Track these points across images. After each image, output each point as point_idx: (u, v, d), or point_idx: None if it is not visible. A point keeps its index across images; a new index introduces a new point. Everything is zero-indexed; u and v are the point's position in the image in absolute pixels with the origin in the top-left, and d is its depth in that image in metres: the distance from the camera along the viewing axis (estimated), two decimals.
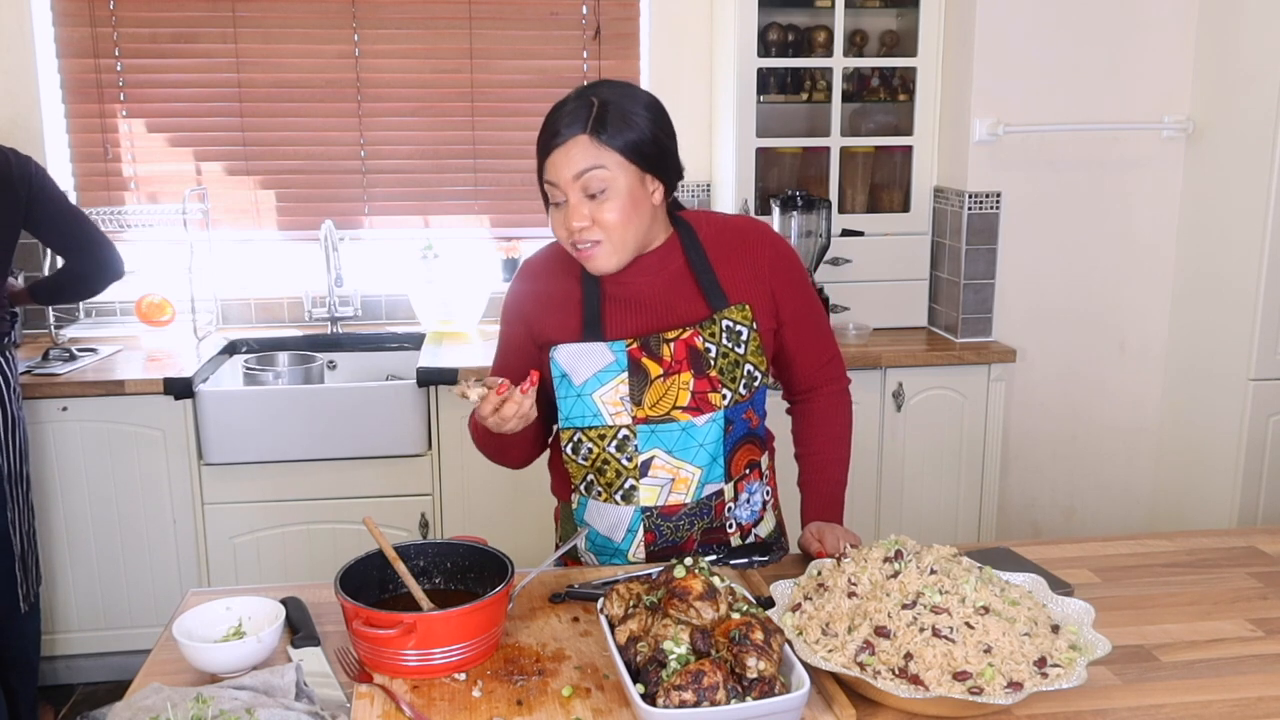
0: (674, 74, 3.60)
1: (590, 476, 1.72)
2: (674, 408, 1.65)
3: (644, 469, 1.67)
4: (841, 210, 3.52)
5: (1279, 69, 3.04)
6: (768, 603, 1.49)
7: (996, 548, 1.79)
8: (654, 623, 1.31)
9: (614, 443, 1.67)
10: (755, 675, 1.21)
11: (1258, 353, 3.18)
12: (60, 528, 3.05)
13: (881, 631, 1.32)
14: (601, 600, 1.40)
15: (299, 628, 1.49)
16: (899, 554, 1.44)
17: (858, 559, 1.47)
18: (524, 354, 1.74)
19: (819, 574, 1.49)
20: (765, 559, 1.70)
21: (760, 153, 3.46)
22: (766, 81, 3.49)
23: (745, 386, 1.68)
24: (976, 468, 3.39)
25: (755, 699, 1.20)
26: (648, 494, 1.68)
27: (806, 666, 1.26)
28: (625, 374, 1.65)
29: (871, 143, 3.56)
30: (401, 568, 1.49)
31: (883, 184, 3.63)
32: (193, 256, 3.37)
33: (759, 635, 1.24)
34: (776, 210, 3.33)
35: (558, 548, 1.88)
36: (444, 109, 3.64)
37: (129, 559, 3.09)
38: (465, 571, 1.56)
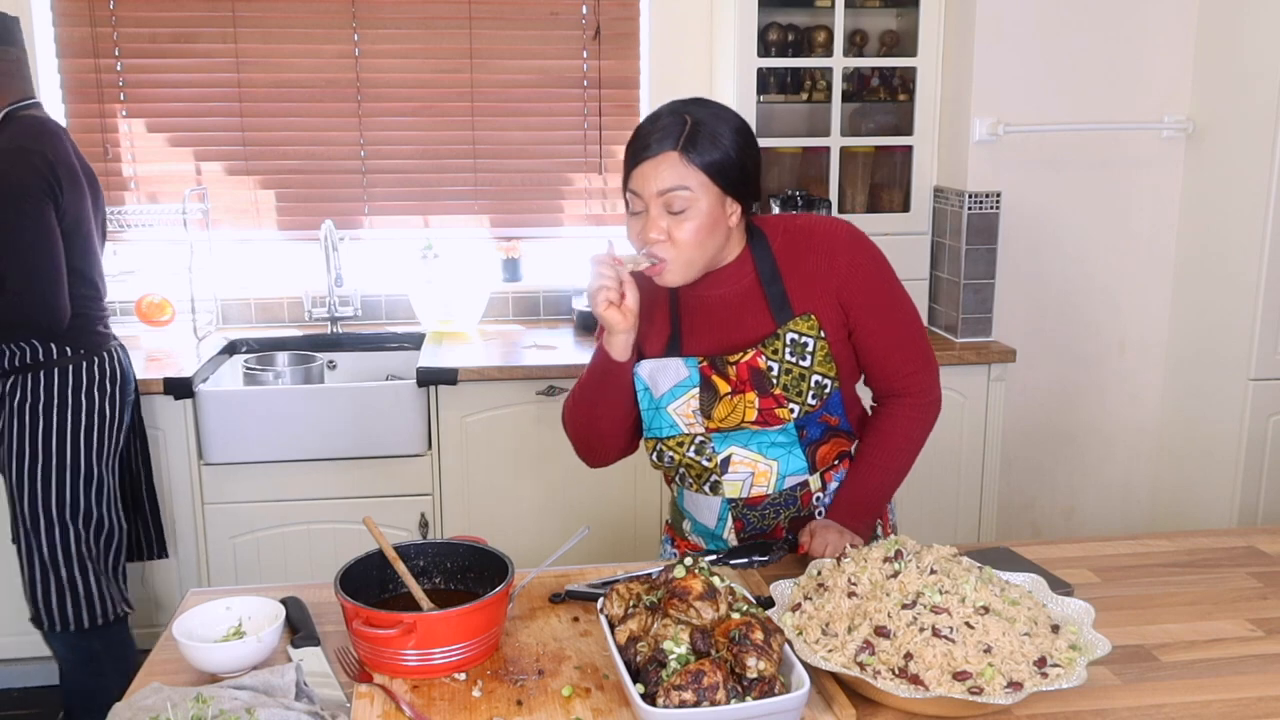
0: (674, 74, 3.60)
1: (681, 471, 1.80)
2: (743, 421, 1.71)
3: (724, 466, 1.74)
4: (841, 210, 3.52)
5: (1279, 69, 3.04)
6: (768, 603, 1.49)
7: (996, 548, 1.79)
8: (654, 623, 1.31)
9: (692, 448, 1.75)
10: (755, 675, 1.21)
11: (1258, 352, 3.18)
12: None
13: (881, 631, 1.32)
14: (601, 600, 1.40)
15: (299, 628, 1.49)
16: (899, 554, 1.44)
17: (858, 559, 1.47)
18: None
19: (819, 574, 1.49)
20: (765, 559, 1.70)
21: (760, 152, 3.45)
22: (766, 81, 3.49)
23: (814, 397, 1.71)
24: (976, 468, 3.39)
25: (755, 699, 1.20)
26: (731, 487, 1.75)
27: (806, 666, 1.26)
28: (697, 389, 1.71)
29: (871, 143, 3.56)
30: (401, 568, 1.49)
31: (883, 184, 3.63)
32: (193, 256, 3.37)
33: (759, 635, 1.24)
34: (776, 210, 3.33)
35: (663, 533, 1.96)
36: (444, 109, 3.64)
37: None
38: (465, 571, 1.56)
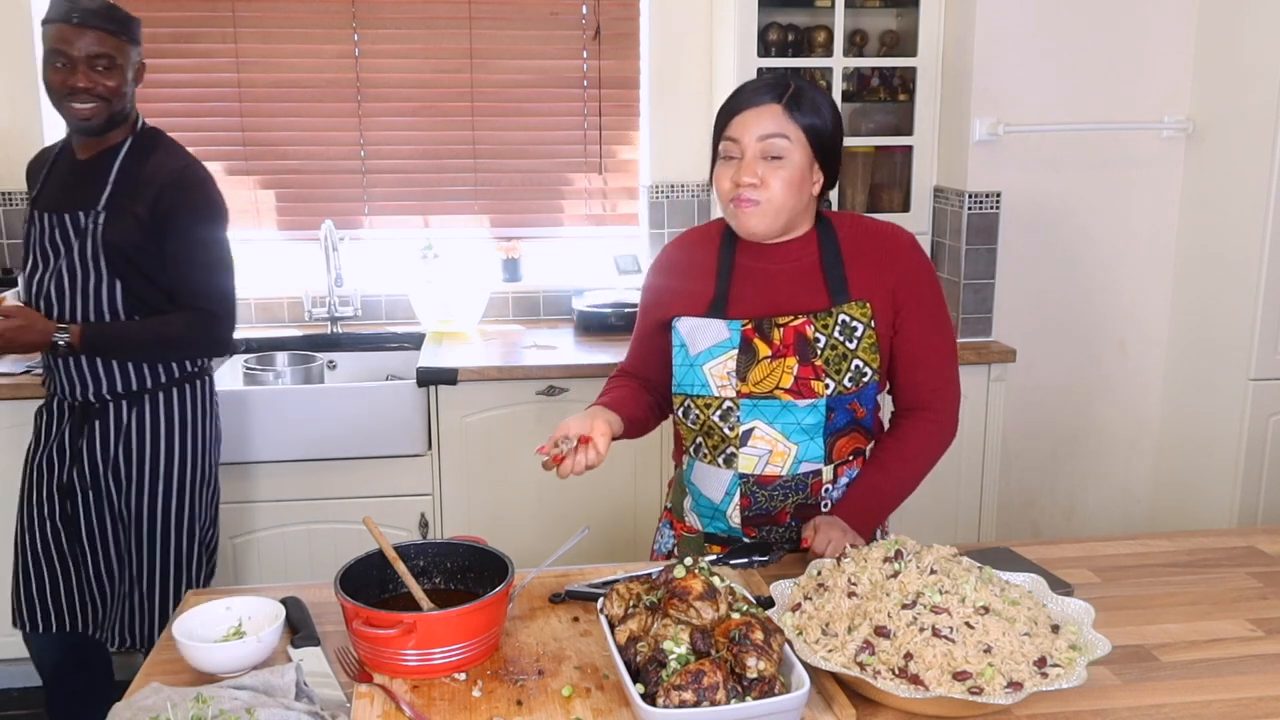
0: (674, 74, 3.60)
1: (699, 439, 1.80)
2: (776, 387, 1.72)
3: (744, 438, 1.75)
4: (842, 210, 3.51)
5: (1279, 69, 3.04)
6: (768, 603, 1.49)
7: (996, 548, 1.79)
8: (654, 623, 1.31)
9: (718, 412, 1.75)
10: (755, 675, 1.21)
11: (1258, 353, 3.18)
12: None
13: (881, 631, 1.32)
14: (601, 600, 1.40)
15: (299, 628, 1.49)
16: (899, 554, 1.44)
17: (858, 559, 1.47)
18: (655, 339, 1.87)
19: (819, 574, 1.50)
20: (765, 559, 1.70)
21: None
22: None
23: (852, 380, 1.73)
24: (976, 468, 3.39)
25: (755, 699, 1.20)
26: (746, 462, 1.76)
27: (806, 666, 1.26)
28: (736, 351, 1.74)
29: (871, 142, 3.56)
30: (401, 568, 1.49)
31: (883, 184, 3.63)
32: None
33: (759, 635, 1.24)
34: None
35: (661, 520, 1.97)
36: (444, 109, 3.64)
37: None
38: (465, 571, 1.56)
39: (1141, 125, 3.41)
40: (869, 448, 1.84)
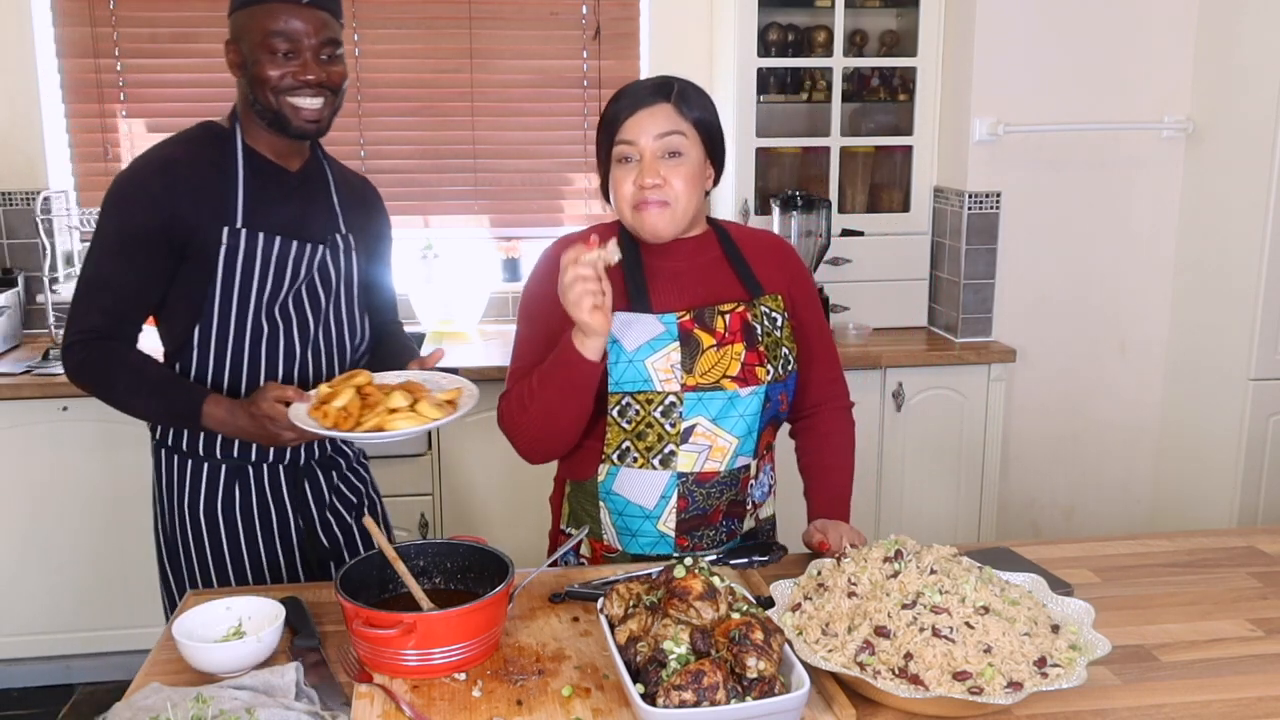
0: (674, 74, 3.58)
1: (627, 443, 1.73)
2: (724, 376, 1.71)
3: (685, 435, 1.71)
4: (841, 210, 3.52)
5: (1279, 69, 3.04)
6: (768, 603, 1.49)
7: (996, 548, 1.79)
8: (654, 623, 1.31)
9: (660, 408, 1.71)
10: (755, 675, 1.21)
11: (1258, 352, 3.18)
12: (60, 527, 3.05)
13: (881, 631, 1.32)
14: (601, 600, 1.40)
15: (299, 628, 1.49)
16: (899, 554, 1.44)
17: (858, 559, 1.47)
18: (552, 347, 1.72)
19: (819, 574, 1.49)
20: (765, 559, 1.70)
21: (760, 152, 3.46)
22: (766, 81, 3.49)
23: (783, 367, 1.76)
24: (976, 468, 3.39)
25: (755, 699, 1.20)
26: (685, 460, 1.72)
27: (806, 666, 1.26)
28: (677, 343, 1.71)
29: (871, 143, 3.56)
30: (401, 568, 1.49)
31: (883, 184, 3.63)
32: None
33: (759, 635, 1.24)
34: (776, 210, 3.33)
35: (554, 545, 1.89)
36: (444, 109, 3.64)
37: (129, 559, 3.09)
38: (465, 571, 1.56)
39: (1141, 125, 3.41)
40: (774, 442, 1.87)
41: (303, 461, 1.94)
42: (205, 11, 3.45)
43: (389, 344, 2.03)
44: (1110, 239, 3.51)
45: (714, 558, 1.68)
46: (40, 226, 3.29)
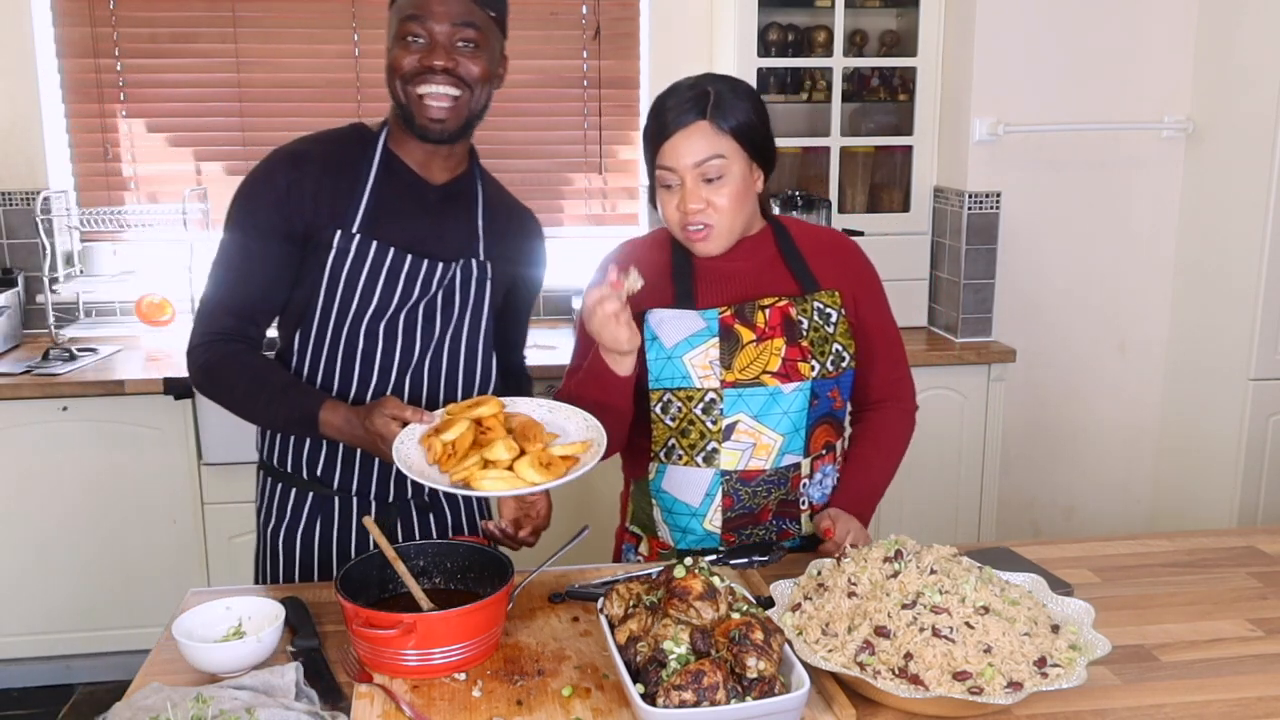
0: (674, 74, 3.53)
1: (672, 440, 1.74)
2: (764, 372, 1.70)
3: (727, 432, 1.71)
4: (841, 210, 3.52)
5: (1279, 69, 3.04)
6: (768, 603, 1.49)
7: (996, 548, 1.79)
8: (654, 623, 1.31)
9: (700, 405, 1.71)
10: (755, 675, 1.21)
11: (1258, 352, 3.18)
12: (60, 527, 3.05)
13: (881, 631, 1.32)
14: (601, 600, 1.40)
15: (299, 628, 1.49)
16: (899, 554, 1.44)
17: (858, 559, 1.47)
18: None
19: (819, 574, 1.50)
20: (765, 559, 1.70)
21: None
22: (766, 81, 3.49)
23: (833, 364, 1.74)
24: (976, 468, 3.39)
25: (755, 699, 1.20)
26: (729, 458, 1.72)
27: (806, 666, 1.26)
28: (716, 339, 1.70)
29: (871, 142, 3.56)
30: (401, 568, 1.49)
31: (883, 184, 3.63)
32: (193, 256, 3.36)
33: (759, 635, 1.24)
34: (776, 210, 3.33)
35: (620, 543, 1.92)
36: None
37: (129, 559, 3.09)
38: (465, 571, 1.56)
39: (1141, 125, 3.41)
40: (839, 443, 1.84)
41: (410, 496, 1.82)
42: (205, 11, 3.45)
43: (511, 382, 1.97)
44: (1110, 239, 3.51)
45: (714, 558, 1.68)
46: (40, 226, 3.29)
